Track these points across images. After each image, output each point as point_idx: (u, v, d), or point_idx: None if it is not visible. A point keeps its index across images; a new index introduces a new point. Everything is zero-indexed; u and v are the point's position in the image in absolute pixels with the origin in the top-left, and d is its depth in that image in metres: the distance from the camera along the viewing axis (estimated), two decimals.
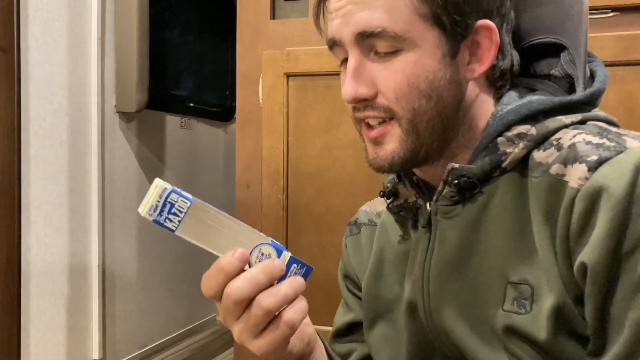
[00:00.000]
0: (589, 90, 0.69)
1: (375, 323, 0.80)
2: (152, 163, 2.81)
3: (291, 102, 1.51)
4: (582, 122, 0.66)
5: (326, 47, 1.46)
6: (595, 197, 0.57)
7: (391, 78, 0.65)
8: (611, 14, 1.32)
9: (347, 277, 0.89)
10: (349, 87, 0.66)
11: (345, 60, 0.70)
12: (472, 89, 0.70)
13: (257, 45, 1.56)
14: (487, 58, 0.69)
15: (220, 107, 3.33)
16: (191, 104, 3.05)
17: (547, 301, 0.60)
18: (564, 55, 0.72)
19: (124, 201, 2.59)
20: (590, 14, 0.99)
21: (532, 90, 0.72)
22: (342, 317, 0.88)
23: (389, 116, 0.66)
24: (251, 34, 1.59)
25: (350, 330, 0.86)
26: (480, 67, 0.69)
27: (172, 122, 2.96)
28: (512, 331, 0.64)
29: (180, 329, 3.01)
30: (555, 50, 0.74)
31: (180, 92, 2.98)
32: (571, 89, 0.72)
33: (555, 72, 0.73)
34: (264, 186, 1.53)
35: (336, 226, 1.48)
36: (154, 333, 2.81)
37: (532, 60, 0.76)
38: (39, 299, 2.10)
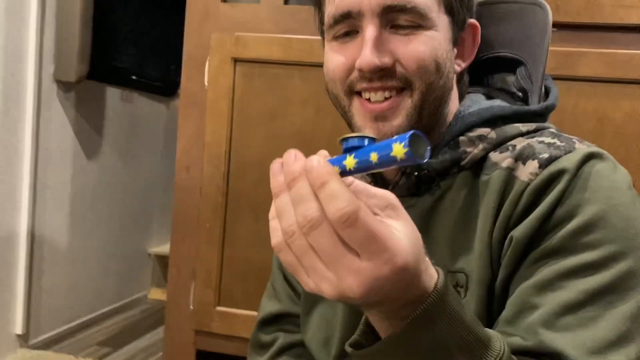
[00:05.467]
0: (544, 104, 0.74)
1: (316, 305, 0.81)
2: (90, 135, 2.73)
3: (237, 88, 1.49)
4: (536, 130, 0.70)
5: (277, 35, 1.46)
6: (550, 182, 0.62)
7: (414, 49, 0.67)
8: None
9: None
10: (370, 56, 0.66)
11: (347, 34, 0.70)
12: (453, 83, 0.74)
13: (206, 27, 1.53)
14: (469, 55, 0.75)
15: (163, 82, 3.25)
16: (134, 77, 2.96)
17: (477, 288, 0.65)
18: (520, 71, 0.77)
19: (58, 173, 2.51)
20: None
21: (490, 97, 0.76)
22: (269, 306, 0.89)
23: (404, 86, 0.68)
24: (200, 15, 1.55)
25: (276, 320, 0.88)
26: (463, 64, 0.75)
27: (113, 94, 2.87)
28: None
29: (109, 305, 2.95)
30: (511, 65, 0.78)
31: (123, 64, 2.87)
32: (523, 102, 0.76)
33: (510, 86, 0.78)
34: (205, 170, 1.51)
35: None
36: (81, 308, 2.75)
37: (487, 73, 0.81)
38: None
